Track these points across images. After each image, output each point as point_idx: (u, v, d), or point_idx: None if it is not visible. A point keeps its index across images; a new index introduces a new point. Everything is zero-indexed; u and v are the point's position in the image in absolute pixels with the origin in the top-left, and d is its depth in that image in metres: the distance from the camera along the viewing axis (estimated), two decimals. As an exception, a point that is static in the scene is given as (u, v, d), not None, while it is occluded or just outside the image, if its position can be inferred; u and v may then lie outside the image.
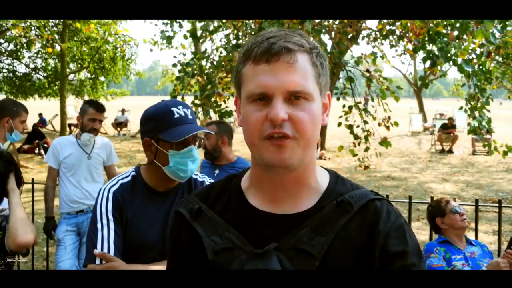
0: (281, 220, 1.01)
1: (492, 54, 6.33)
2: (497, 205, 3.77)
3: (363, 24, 9.44)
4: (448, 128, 16.67)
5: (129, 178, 1.97)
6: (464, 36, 6.43)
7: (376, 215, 1.00)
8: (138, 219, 1.89)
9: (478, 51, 6.62)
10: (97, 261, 1.78)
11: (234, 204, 1.07)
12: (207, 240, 1.03)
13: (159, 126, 1.87)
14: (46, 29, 16.18)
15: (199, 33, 7.85)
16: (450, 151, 16.00)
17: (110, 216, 1.86)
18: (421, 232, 6.65)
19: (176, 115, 1.87)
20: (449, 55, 5.73)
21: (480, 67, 6.47)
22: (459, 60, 5.66)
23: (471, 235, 3.85)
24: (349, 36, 8.35)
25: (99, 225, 1.85)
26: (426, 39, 6.04)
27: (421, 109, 27.27)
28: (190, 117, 1.90)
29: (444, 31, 6.18)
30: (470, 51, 6.64)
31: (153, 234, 1.87)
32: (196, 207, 1.09)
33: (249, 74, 0.98)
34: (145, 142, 1.94)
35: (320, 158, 14.27)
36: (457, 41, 5.95)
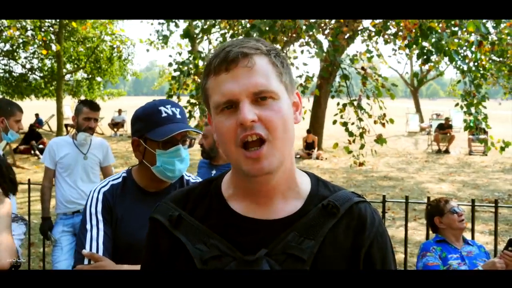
0: (267, 226, 1.01)
1: (484, 45, 6.32)
2: (493, 205, 3.79)
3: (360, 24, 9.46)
4: (444, 128, 16.72)
5: (119, 180, 1.95)
6: (459, 33, 6.45)
7: (362, 219, 1.03)
8: (128, 219, 1.87)
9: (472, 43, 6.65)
10: (85, 262, 1.77)
11: (217, 210, 1.05)
12: (193, 248, 1.00)
13: (147, 126, 1.85)
14: (42, 30, 16.13)
15: (197, 31, 7.83)
16: (447, 151, 16.04)
17: (100, 217, 1.84)
18: (418, 232, 6.66)
19: (164, 114, 1.84)
20: (440, 46, 5.75)
21: (475, 64, 6.50)
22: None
23: (467, 235, 3.85)
24: (346, 36, 8.35)
25: (88, 226, 1.83)
26: (419, 34, 6.05)
27: (418, 109, 27.36)
28: (178, 116, 1.87)
29: (438, 28, 6.20)
30: (465, 47, 6.66)
31: (143, 234, 1.85)
32: (176, 214, 1.06)
33: (213, 86, 0.99)
34: (134, 142, 1.92)
35: (317, 158, 14.28)
36: (449, 37, 5.95)
